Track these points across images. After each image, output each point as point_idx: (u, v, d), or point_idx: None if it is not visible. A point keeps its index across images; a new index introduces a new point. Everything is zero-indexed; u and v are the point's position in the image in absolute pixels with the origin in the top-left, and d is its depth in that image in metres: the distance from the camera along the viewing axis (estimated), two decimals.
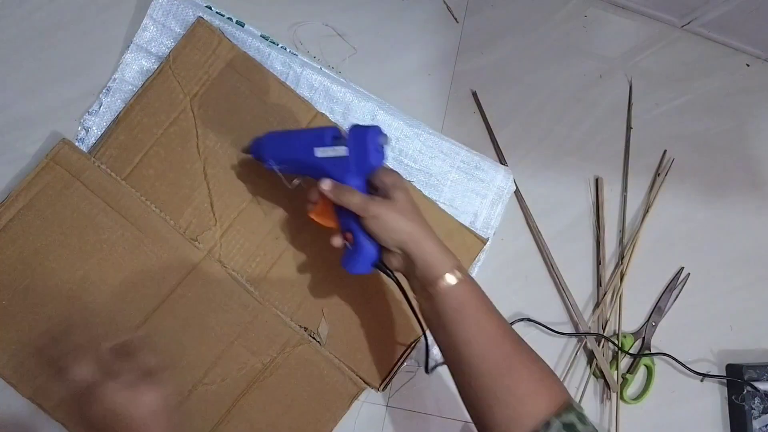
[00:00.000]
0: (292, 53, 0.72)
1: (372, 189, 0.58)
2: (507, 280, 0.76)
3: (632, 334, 0.78)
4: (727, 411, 0.79)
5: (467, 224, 0.73)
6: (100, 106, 0.67)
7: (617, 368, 0.76)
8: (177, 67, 0.68)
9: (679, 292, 0.80)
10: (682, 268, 0.81)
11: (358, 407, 0.70)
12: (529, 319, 0.75)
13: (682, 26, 0.85)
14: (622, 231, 0.80)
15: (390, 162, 0.72)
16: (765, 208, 0.85)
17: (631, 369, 0.77)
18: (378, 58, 0.76)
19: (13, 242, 0.63)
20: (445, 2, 0.79)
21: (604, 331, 0.76)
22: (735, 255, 0.83)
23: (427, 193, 0.73)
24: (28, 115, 0.67)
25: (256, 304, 0.67)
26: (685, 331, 0.79)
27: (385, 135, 0.56)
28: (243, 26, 0.71)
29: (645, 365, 0.77)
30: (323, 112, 0.71)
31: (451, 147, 0.74)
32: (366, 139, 0.55)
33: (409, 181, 0.72)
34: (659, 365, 0.78)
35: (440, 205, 0.73)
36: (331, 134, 0.57)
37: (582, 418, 0.49)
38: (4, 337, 0.62)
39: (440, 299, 0.52)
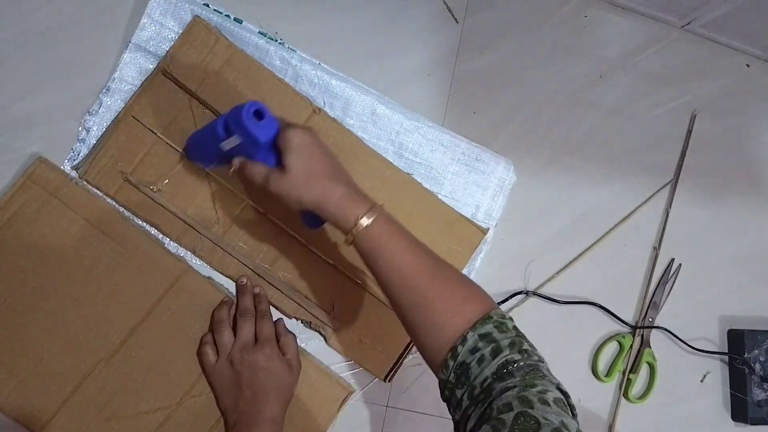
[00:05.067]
0: (291, 49, 0.72)
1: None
2: (508, 280, 0.76)
3: (630, 333, 0.78)
4: (729, 401, 0.79)
5: (469, 216, 0.74)
6: (100, 106, 0.67)
7: (621, 370, 0.77)
8: (175, 67, 0.67)
9: (672, 285, 0.80)
10: (673, 260, 0.81)
11: (359, 407, 0.70)
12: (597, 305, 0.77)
13: (682, 26, 0.85)
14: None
15: (391, 155, 0.73)
16: (765, 208, 0.85)
17: (634, 368, 0.77)
18: (378, 58, 0.76)
19: None
20: (445, 2, 0.79)
21: None
22: (735, 255, 0.83)
23: (428, 186, 0.73)
24: (28, 115, 0.67)
25: None
26: (684, 331, 0.79)
27: (260, 106, 0.54)
28: (241, 23, 0.71)
29: (647, 362, 0.77)
30: (323, 107, 0.71)
31: (451, 139, 0.74)
32: (242, 120, 0.53)
33: (409, 173, 0.73)
34: (660, 360, 0.78)
35: (441, 197, 0.73)
36: (222, 125, 0.56)
37: (501, 325, 0.49)
38: None
39: (357, 243, 0.53)
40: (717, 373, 0.80)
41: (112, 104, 0.68)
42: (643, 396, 0.77)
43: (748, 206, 0.84)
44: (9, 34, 0.67)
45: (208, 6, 0.71)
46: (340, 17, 0.76)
